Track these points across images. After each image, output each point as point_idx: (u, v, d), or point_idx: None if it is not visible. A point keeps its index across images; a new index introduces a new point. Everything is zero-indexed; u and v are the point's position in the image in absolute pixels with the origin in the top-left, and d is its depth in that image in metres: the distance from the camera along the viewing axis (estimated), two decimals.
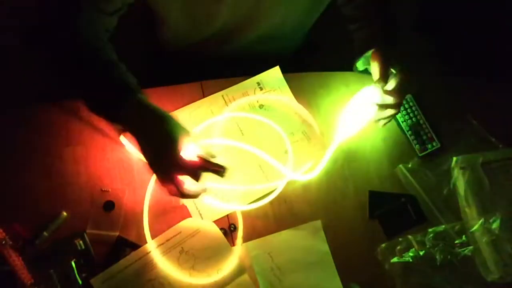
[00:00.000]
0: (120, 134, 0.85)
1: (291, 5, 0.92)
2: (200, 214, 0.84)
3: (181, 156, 0.69)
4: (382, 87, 0.84)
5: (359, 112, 0.87)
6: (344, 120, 0.88)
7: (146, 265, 0.79)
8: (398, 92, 0.85)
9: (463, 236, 0.86)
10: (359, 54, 0.93)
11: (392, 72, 0.87)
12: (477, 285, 0.85)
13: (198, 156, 0.72)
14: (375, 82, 0.85)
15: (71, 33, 0.73)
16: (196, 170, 0.70)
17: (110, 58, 0.74)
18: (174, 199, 0.83)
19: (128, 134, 0.77)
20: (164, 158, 0.69)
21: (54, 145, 0.85)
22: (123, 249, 0.79)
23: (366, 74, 0.96)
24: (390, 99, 0.85)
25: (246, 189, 0.86)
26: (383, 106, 0.85)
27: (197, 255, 0.81)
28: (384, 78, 0.85)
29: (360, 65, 0.96)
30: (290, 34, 1.04)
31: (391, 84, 0.86)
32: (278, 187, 0.86)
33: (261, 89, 0.96)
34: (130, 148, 0.85)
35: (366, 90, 0.86)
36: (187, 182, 0.71)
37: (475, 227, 0.86)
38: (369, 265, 0.84)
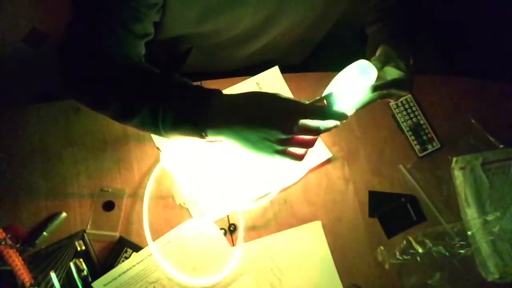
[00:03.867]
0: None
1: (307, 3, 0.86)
2: (201, 215, 0.84)
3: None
4: (378, 68, 0.76)
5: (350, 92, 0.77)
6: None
7: (147, 267, 0.79)
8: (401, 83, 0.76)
9: (463, 236, 0.86)
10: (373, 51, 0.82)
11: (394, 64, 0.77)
12: (477, 285, 0.85)
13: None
14: (373, 60, 0.77)
15: (103, 53, 0.69)
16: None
17: (154, 70, 0.69)
18: (171, 199, 0.84)
19: (213, 137, 0.68)
20: (283, 121, 0.65)
21: (54, 145, 0.86)
22: (124, 250, 0.79)
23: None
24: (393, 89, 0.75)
25: (246, 189, 0.86)
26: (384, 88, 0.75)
27: (198, 256, 0.81)
28: (384, 59, 0.77)
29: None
30: (298, 44, 1.01)
31: (392, 73, 0.77)
32: (278, 187, 0.86)
33: (260, 89, 0.96)
34: (170, 168, 0.84)
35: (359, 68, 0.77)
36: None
37: (475, 227, 0.86)
38: (369, 265, 0.84)
